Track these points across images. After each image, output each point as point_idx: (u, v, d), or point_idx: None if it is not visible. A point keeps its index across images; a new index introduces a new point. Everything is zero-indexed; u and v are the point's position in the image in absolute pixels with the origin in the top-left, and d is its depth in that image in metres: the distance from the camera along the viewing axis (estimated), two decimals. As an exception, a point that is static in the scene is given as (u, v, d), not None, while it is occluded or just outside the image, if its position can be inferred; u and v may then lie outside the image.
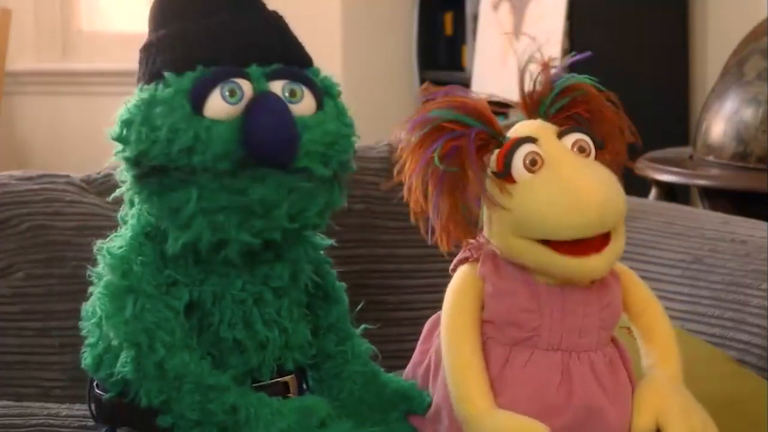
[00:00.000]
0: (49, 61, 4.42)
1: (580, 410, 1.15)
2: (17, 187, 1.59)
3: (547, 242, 1.12)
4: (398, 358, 1.45)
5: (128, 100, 1.12)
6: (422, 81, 3.87)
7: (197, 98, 1.09)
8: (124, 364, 1.10)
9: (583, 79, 1.18)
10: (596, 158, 1.16)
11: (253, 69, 1.11)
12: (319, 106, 1.13)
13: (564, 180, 1.12)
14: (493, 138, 1.15)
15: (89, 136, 1.11)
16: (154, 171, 1.10)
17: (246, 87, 1.10)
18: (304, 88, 1.12)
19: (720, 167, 2.52)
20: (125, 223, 1.18)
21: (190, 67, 1.11)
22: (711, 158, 2.54)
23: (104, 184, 1.61)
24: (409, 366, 1.28)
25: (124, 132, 1.11)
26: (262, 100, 1.09)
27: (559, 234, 1.12)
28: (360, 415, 1.21)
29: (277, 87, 1.11)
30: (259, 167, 1.08)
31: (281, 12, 1.18)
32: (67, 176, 1.65)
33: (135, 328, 1.10)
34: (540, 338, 1.16)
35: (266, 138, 1.08)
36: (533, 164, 1.13)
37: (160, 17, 1.15)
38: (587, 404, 1.15)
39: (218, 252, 1.11)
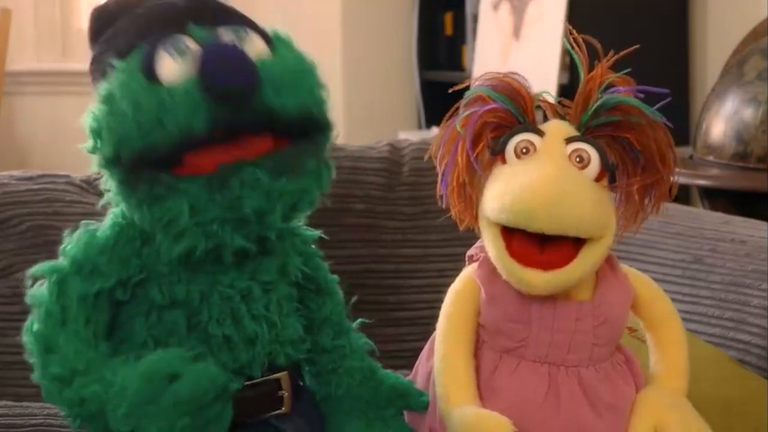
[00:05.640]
0: (49, 61, 4.42)
1: (567, 427, 1.13)
2: (17, 187, 1.59)
3: (508, 239, 1.12)
4: (397, 357, 1.46)
5: (90, 108, 1.10)
6: (422, 81, 3.87)
7: (148, 67, 1.07)
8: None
9: (636, 104, 1.16)
10: (624, 184, 1.15)
11: (192, 27, 1.10)
12: (270, 48, 1.11)
13: (524, 170, 1.11)
14: (518, 120, 1.15)
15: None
16: (142, 178, 1.08)
17: (190, 43, 1.09)
18: (249, 30, 1.11)
19: (720, 167, 2.52)
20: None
21: (132, 47, 1.10)
22: (711, 158, 2.54)
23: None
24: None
25: (95, 136, 1.09)
26: (211, 41, 1.09)
27: (498, 216, 1.11)
28: (356, 410, 1.21)
29: (222, 33, 1.10)
30: (243, 166, 1.07)
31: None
32: (67, 176, 1.65)
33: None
34: (527, 349, 1.15)
35: (224, 69, 1.06)
36: (524, 152, 1.13)
37: (95, 33, 1.15)
38: (575, 421, 1.14)
39: (212, 255, 1.11)
